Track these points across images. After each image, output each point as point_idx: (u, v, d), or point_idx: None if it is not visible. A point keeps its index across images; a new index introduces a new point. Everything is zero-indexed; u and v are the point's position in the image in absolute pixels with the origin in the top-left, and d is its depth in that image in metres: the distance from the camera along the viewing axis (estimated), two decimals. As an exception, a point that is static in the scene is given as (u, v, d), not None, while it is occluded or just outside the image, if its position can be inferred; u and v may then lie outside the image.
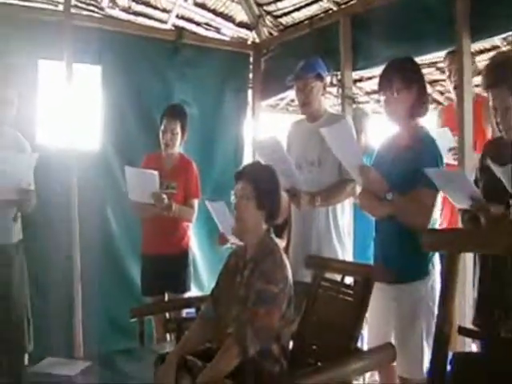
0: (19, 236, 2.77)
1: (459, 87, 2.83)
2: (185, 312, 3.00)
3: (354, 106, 3.76)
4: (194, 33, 4.31)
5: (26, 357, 2.80)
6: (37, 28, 3.34)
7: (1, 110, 2.64)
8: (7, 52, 3.16)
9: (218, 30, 4.53)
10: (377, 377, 2.83)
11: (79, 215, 3.37)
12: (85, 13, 4.00)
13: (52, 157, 3.33)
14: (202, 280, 3.94)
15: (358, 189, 2.42)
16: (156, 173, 2.89)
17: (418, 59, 2.68)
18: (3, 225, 2.66)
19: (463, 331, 1.77)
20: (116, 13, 4.18)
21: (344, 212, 2.61)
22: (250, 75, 4.38)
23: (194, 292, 3.27)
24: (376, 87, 2.33)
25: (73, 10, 3.58)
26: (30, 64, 3.35)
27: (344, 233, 2.59)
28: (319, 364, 2.06)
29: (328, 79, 2.82)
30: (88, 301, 3.37)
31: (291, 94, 4.69)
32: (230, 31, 4.57)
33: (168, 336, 2.98)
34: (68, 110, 3.43)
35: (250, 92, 4.38)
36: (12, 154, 2.63)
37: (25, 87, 3.28)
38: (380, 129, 3.40)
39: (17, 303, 2.72)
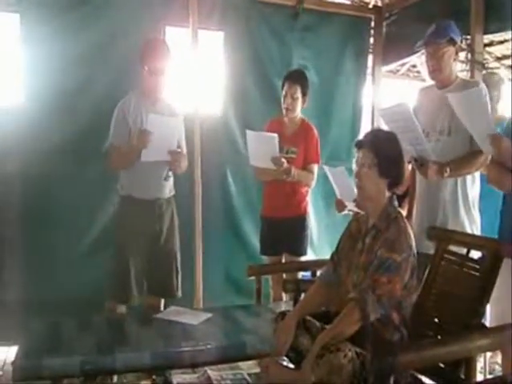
0: (172, 192, 3.00)
1: None
2: (300, 274, 3.08)
3: (484, 71, 3.52)
4: (315, -3, 4.25)
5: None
6: None
7: (157, 80, 2.83)
8: (137, 19, 3.35)
9: (338, -6, 4.44)
10: (498, 358, 2.73)
11: (201, 175, 3.53)
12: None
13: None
14: (316, 244, 3.97)
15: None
16: (276, 135, 2.91)
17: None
18: (156, 182, 2.89)
19: None
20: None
21: (474, 183, 2.49)
22: (371, 40, 4.25)
23: (308, 256, 3.32)
24: (508, 52, 2.15)
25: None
26: (158, 31, 3.50)
27: (473, 205, 2.47)
28: (439, 337, 2.03)
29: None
30: (208, 256, 3.56)
31: (413, 59, 4.51)
32: (350, -6, 4.47)
33: (284, 295, 3.08)
34: (193, 76, 3.56)
35: (370, 57, 4.26)
36: (165, 118, 2.82)
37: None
38: (512, 97, 3.17)
39: (167, 252, 2.95)
